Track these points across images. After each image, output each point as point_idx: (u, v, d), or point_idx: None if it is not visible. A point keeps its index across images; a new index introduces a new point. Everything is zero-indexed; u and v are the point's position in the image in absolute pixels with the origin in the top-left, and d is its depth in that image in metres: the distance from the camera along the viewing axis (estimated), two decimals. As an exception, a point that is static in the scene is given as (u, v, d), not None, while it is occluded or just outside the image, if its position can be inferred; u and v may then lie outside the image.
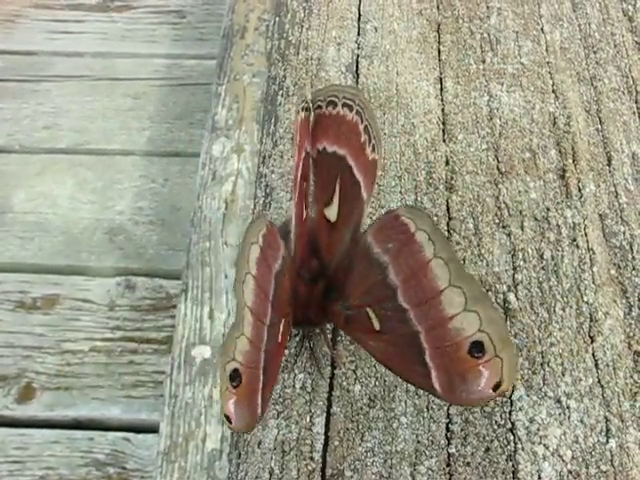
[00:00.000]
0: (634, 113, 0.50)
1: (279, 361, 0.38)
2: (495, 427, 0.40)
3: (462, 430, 0.40)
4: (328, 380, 0.42)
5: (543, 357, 0.42)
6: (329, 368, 0.42)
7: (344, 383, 0.42)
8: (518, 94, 0.51)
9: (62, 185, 0.97)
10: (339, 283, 0.38)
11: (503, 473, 0.39)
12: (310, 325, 0.42)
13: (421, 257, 0.33)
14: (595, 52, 0.53)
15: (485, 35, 0.54)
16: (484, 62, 0.53)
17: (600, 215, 0.46)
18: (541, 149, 0.49)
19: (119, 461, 0.85)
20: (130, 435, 0.86)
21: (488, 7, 0.55)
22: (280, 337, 0.36)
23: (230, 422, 0.32)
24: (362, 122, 0.40)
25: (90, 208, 0.96)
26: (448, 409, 0.41)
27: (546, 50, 0.53)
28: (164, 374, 0.82)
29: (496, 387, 0.31)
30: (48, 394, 0.86)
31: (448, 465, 0.39)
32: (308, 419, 0.41)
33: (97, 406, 0.87)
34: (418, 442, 0.40)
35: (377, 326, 0.34)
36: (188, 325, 0.83)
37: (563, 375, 0.41)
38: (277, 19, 0.55)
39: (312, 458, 0.40)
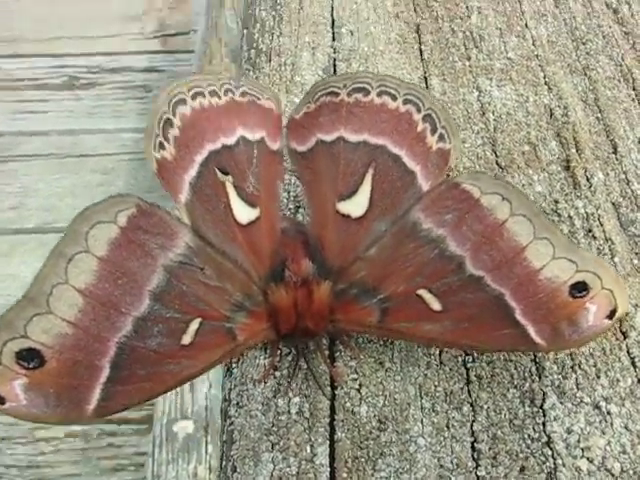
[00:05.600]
0: (633, 100, 0.47)
1: (187, 366, 0.32)
2: (529, 442, 0.34)
3: (490, 449, 0.34)
4: (329, 402, 0.36)
5: (573, 359, 0.37)
6: (329, 389, 0.36)
7: (347, 404, 0.36)
8: (509, 88, 0.48)
9: (31, 266, 0.92)
10: (362, 278, 0.35)
11: (544, 495, 0.33)
12: (306, 337, 0.36)
13: (492, 220, 0.33)
14: (584, 43, 0.50)
15: (467, 33, 0.51)
16: (469, 59, 0.50)
17: (613, 204, 0.42)
18: (540, 141, 0.45)
19: None
20: (111, 521, 0.77)
21: (467, 7, 0.52)
22: (189, 338, 0.32)
23: (2, 402, 0.28)
24: (419, 112, 0.37)
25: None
26: (472, 425, 0.35)
27: (533, 44, 0.50)
28: (145, 455, 0.74)
29: (611, 315, 0.32)
30: (18, 487, 0.77)
31: (479, 490, 0.33)
32: (309, 449, 0.35)
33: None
34: (441, 466, 0.34)
35: (437, 306, 0.33)
36: (168, 400, 0.76)
37: (598, 377, 0.36)
38: (245, 31, 0.52)
39: (316, 495, 0.33)
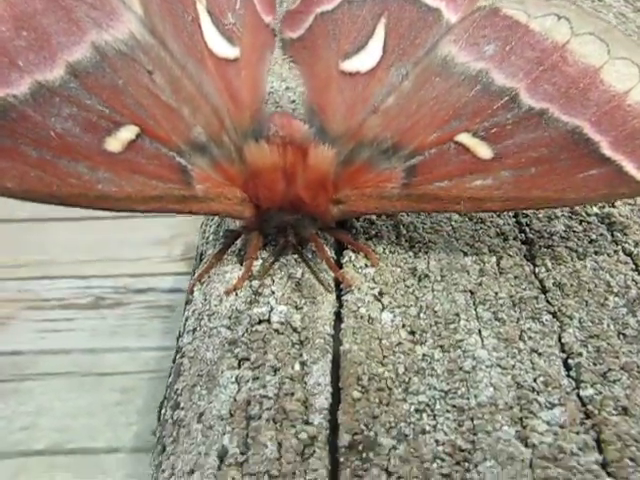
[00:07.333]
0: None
1: (106, 179, 0.23)
2: (656, 354, 0.21)
3: (595, 364, 0.22)
4: (333, 308, 0.23)
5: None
6: (333, 294, 0.24)
7: (362, 310, 0.23)
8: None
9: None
10: (377, 135, 0.26)
11: None
12: (297, 215, 0.25)
13: (549, 44, 0.26)
14: None
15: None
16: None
17: None
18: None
19: None
20: None
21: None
22: (117, 145, 0.23)
23: None
24: None
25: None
26: (560, 337, 0.22)
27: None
28: None
29: None
30: None
31: None
32: (297, 366, 0.21)
33: None
34: (519, 386, 0.21)
35: (487, 153, 0.25)
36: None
37: None
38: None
39: (308, 422, 0.20)
